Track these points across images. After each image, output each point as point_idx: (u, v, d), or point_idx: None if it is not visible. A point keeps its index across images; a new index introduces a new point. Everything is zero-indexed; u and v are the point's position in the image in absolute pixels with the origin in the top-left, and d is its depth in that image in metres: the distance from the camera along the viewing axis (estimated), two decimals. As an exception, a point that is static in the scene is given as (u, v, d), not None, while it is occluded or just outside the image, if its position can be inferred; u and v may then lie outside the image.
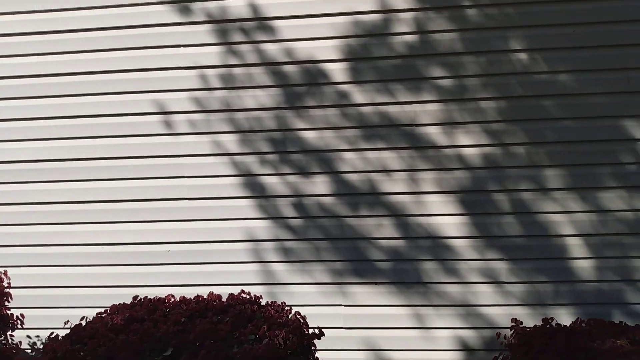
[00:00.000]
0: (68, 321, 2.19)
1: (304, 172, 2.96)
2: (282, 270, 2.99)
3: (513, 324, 2.28)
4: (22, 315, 2.75)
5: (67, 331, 2.25)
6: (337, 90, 2.94)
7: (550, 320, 2.28)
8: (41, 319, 3.05)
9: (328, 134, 2.95)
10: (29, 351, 3.15)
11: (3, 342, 2.65)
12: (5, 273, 2.73)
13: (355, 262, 2.95)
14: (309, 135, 2.96)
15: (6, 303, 2.64)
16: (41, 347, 3.12)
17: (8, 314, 2.63)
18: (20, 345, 3.13)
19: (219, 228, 3.01)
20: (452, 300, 2.93)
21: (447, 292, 2.94)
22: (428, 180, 2.90)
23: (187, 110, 3.01)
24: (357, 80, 2.92)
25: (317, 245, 2.98)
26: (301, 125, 2.96)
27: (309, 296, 2.97)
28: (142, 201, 3.04)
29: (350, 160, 2.94)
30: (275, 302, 2.42)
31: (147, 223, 3.05)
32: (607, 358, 1.71)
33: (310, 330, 2.17)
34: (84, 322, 2.21)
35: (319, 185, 2.96)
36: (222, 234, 3.01)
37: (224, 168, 3.00)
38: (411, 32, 2.83)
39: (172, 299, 2.46)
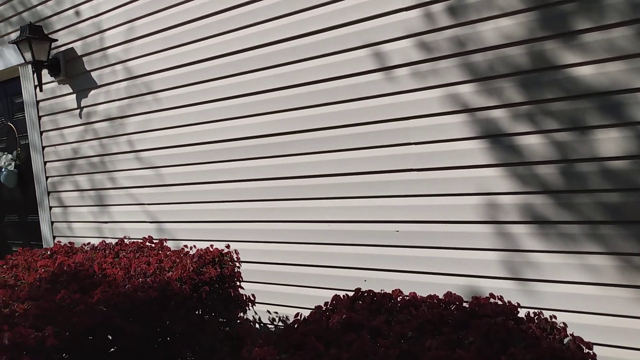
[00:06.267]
0: (299, 314, 1.91)
1: (578, 127, 2.08)
2: (542, 263, 2.20)
3: None
4: (253, 295, 2.66)
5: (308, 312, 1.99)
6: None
7: None
8: (271, 294, 2.99)
9: (614, 66, 1.99)
10: (271, 326, 3.11)
11: (239, 322, 2.59)
12: (236, 252, 2.66)
13: (668, 257, 1.95)
14: (584, 71, 2.05)
15: (237, 283, 2.56)
16: (280, 324, 3.06)
17: (239, 294, 2.55)
18: (261, 320, 3.14)
19: (456, 205, 2.38)
20: None
21: None
22: None
23: (411, 61, 2.44)
24: (666, -25, 1.87)
25: (597, 230, 2.07)
26: (571, 59, 2.07)
27: (584, 300, 2.10)
28: (366, 174, 2.62)
29: (655, 103, 1.93)
30: (539, 314, 1.69)
31: (373, 199, 2.62)
32: None
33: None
34: (302, 317, 1.90)
35: (602, 143, 2.03)
36: (461, 212, 2.37)
37: (460, 128, 2.34)
38: None
39: (400, 296, 1.96)
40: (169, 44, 3.33)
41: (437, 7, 2.35)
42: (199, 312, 2.23)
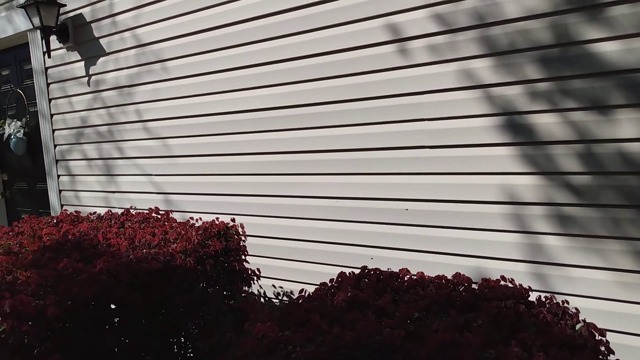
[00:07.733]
0: (304, 290, 1.89)
1: (598, 106, 1.99)
2: (556, 246, 2.14)
3: None
4: (258, 269, 2.64)
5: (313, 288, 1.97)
6: (662, -31, 1.83)
7: None
8: (277, 269, 2.98)
9: (643, 43, 1.89)
10: (275, 300, 3.11)
11: (243, 296, 2.57)
12: (241, 226, 2.63)
13: (688, 245, 1.89)
14: (608, 48, 1.95)
15: (242, 257, 2.53)
16: (285, 298, 3.06)
17: (244, 267, 2.53)
18: (266, 294, 3.13)
19: (469, 184, 2.32)
20: None
21: None
22: None
23: (426, 33, 2.34)
24: None
25: (613, 213, 2.01)
26: (595, 34, 1.97)
27: (599, 286, 2.05)
28: (376, 150, 2.56)
29: (683, 83, 1.83)
30: (551, 298, 1.64)
31: (383, 175, 2.56)
32: None
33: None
34: (306, 293, 1.88)
35: (624, 124, 1.95)
36: (473, 192, 2.31)
37: (475, 105, 2.26)
38: None
39: (408, 276, 1.92)
40: (178, 11, 3.25)
41: (456, -23, 2.25)
42: (203, 285, 2.22)
